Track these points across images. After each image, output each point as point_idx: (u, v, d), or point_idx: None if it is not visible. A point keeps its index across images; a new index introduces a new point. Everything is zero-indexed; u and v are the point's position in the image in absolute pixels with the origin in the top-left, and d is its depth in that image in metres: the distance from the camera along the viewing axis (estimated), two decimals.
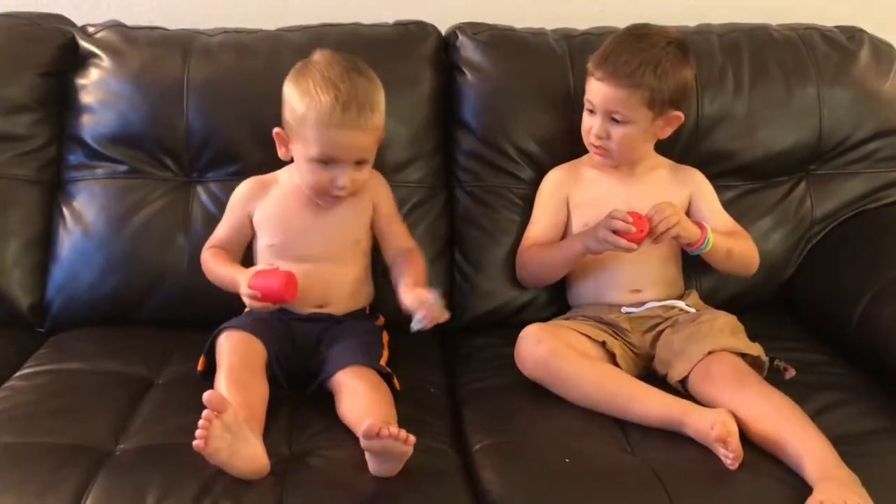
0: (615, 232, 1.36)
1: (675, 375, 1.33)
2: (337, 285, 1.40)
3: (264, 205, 1.42)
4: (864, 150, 1.64)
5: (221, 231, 1.45)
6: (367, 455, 1.11)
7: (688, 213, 1.50)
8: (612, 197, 1.46)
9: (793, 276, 1.63)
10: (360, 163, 1.34)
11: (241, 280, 1.28)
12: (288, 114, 1.34)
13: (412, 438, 1.09)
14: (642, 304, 1.45)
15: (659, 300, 1.46)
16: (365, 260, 1.45)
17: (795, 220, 1.63)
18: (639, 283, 1.47)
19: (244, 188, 1.45)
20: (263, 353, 1.28)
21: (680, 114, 1.47)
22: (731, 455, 1.14)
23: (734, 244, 1.47)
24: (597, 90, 1.43)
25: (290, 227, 1.40)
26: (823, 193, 1.64)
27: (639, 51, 1.41)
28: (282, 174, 1.45)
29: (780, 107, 1.60)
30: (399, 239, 1.46)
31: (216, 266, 1.39)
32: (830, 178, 1.65)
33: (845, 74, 1.63)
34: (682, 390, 1.32)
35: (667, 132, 1.48)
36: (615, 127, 1.44)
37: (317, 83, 1.29)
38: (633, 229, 1.35)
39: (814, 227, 1.64)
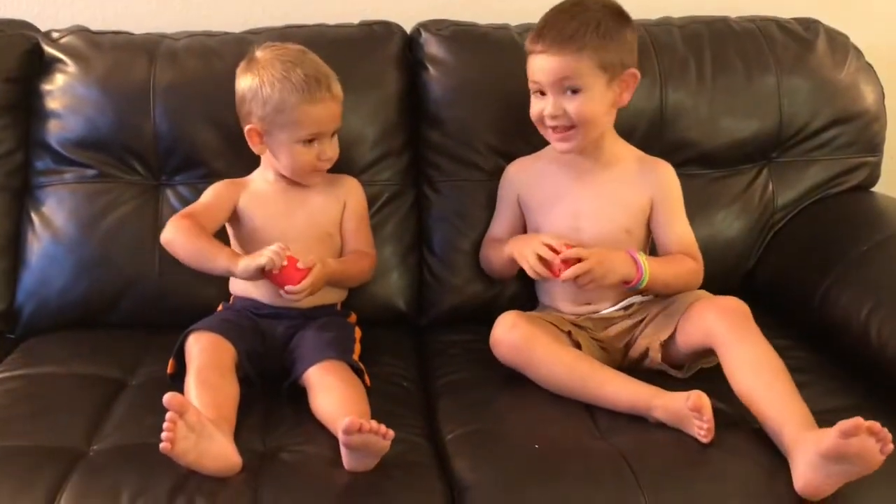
0: (540, 258, 1.33)
1: (660, 337, 1.32)
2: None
3: (245, 195, 1.45)
4: (822, 138, 1.66)
5: (201, 204, 1.43)
6: (342, 450, 1.12)
7: (648, 218, 1.46)
8: (566, 198, 1.40)
9: (756, 264, 1.65)
10: (335, 134, 1.42)
11: (240, 264, 1.29)
12: (258, 108, 1.36)
13: (391, 433, 1.10)
14: (598, 311, 1.44)
15: (614, 304, 1.44)
16: (336, 255, 1.46)
17: (759, 208, 1.65)
18: (587, 296, 1.43)
19: (225, 181, 1.48)
20: (232, 352, 1.29)
21: (635, 71, 1.39)
22: (704, 426, 1.14)
23: (673, 274, 1.39)
24: (541, 65, 1.35)
25: (267, 213, 1.43)
26: (785, 181, 1.66)
27: (575, 15, 1.34)
28: (254, 176, 1.48)
29: (741, 96, 1.62)
30: (358, 242, 1.48)
31: (198, 239, 1.35)
32: (791, 165, 1.66)
33: (803, 64, 1.64)
34: (662, 366, 1.33)
35: (626, 98, 1.40)
36: (570, 100, 1.34)
37: (281, 69, 1.34)
38: (558, 261, 1.32)
39: (776, 215, 1.65)
